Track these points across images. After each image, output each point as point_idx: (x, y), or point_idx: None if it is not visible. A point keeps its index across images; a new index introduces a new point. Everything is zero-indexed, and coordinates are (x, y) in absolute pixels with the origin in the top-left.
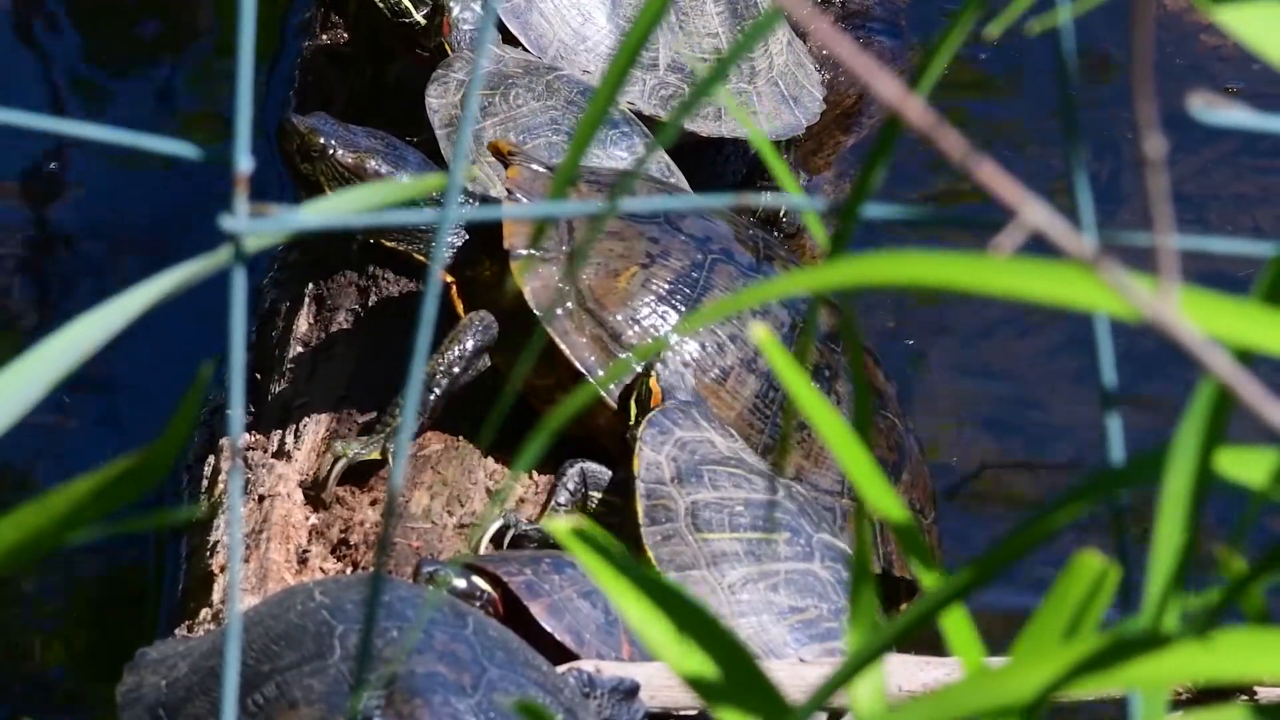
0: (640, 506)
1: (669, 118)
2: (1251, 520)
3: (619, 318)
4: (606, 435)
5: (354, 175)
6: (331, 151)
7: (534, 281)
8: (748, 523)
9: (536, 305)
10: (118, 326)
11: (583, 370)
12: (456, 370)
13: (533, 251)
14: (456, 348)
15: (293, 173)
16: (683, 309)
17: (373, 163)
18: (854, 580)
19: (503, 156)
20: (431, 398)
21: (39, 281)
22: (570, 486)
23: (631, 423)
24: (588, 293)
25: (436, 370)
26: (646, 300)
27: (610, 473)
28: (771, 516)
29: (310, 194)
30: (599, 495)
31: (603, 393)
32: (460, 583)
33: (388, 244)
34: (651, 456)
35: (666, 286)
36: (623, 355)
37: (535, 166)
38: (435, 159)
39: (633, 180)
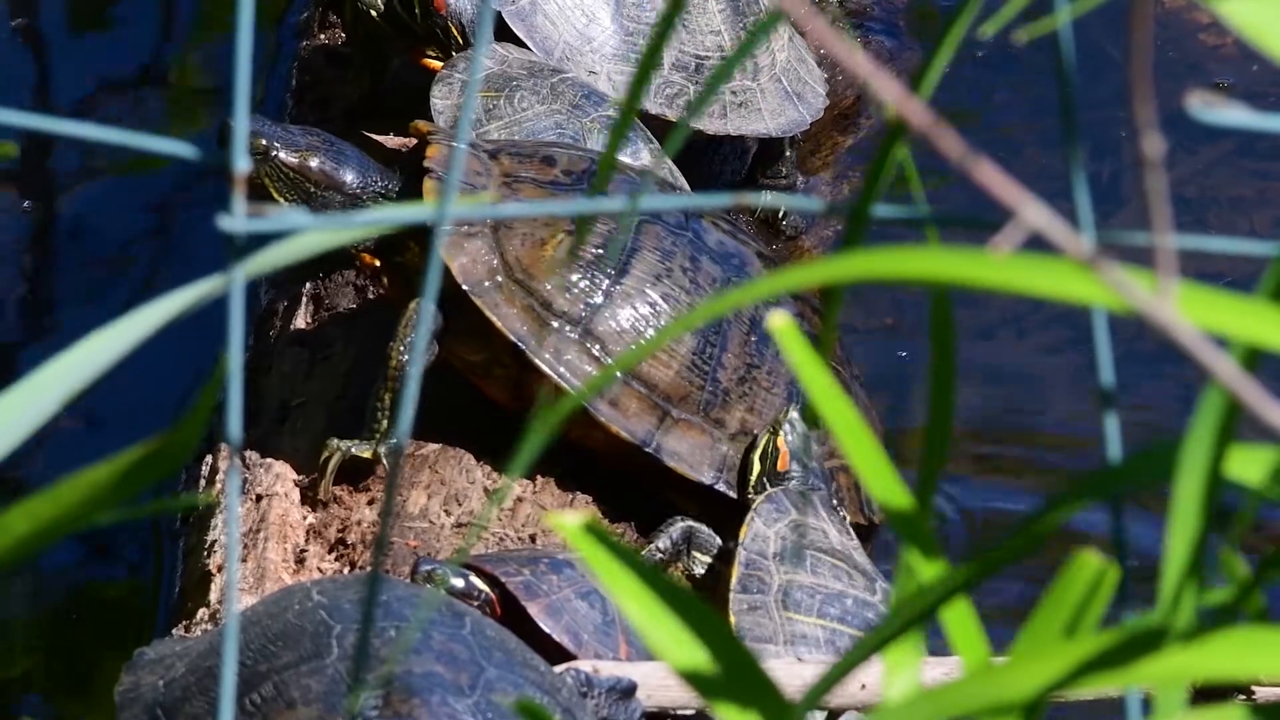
0: (736, 572)
1: (675, 117)
2: (1248, 519)
3: (549, 286)
4: (576, 427)
5: (297, 174)
6: (274, 152)
7: (461, 257)
8: (837, 614)
9: (465, 280)
10: (126, 347)
11: (516, 341)
12: (413, 363)
13: (458, 228)
14: (408, 341)
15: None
16: (612, 272)
17: (315, 160)
18: (898, 577)
19: (422, 136)
20: (407, 393)
21: (36, 284)
22: (673, 538)
23: (753, 479)
24: (515, 264)
25: (400, 369)
26: (575, 266)
27: (719, 539)
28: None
29: (254, 196)
30: (703, 558)
31: (592, 406)
32: (458, 582)
33: None
34: (761, 529)
35: (594, 251)
36: (604, 359)
37: (455, 144)
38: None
39: (557, 153)
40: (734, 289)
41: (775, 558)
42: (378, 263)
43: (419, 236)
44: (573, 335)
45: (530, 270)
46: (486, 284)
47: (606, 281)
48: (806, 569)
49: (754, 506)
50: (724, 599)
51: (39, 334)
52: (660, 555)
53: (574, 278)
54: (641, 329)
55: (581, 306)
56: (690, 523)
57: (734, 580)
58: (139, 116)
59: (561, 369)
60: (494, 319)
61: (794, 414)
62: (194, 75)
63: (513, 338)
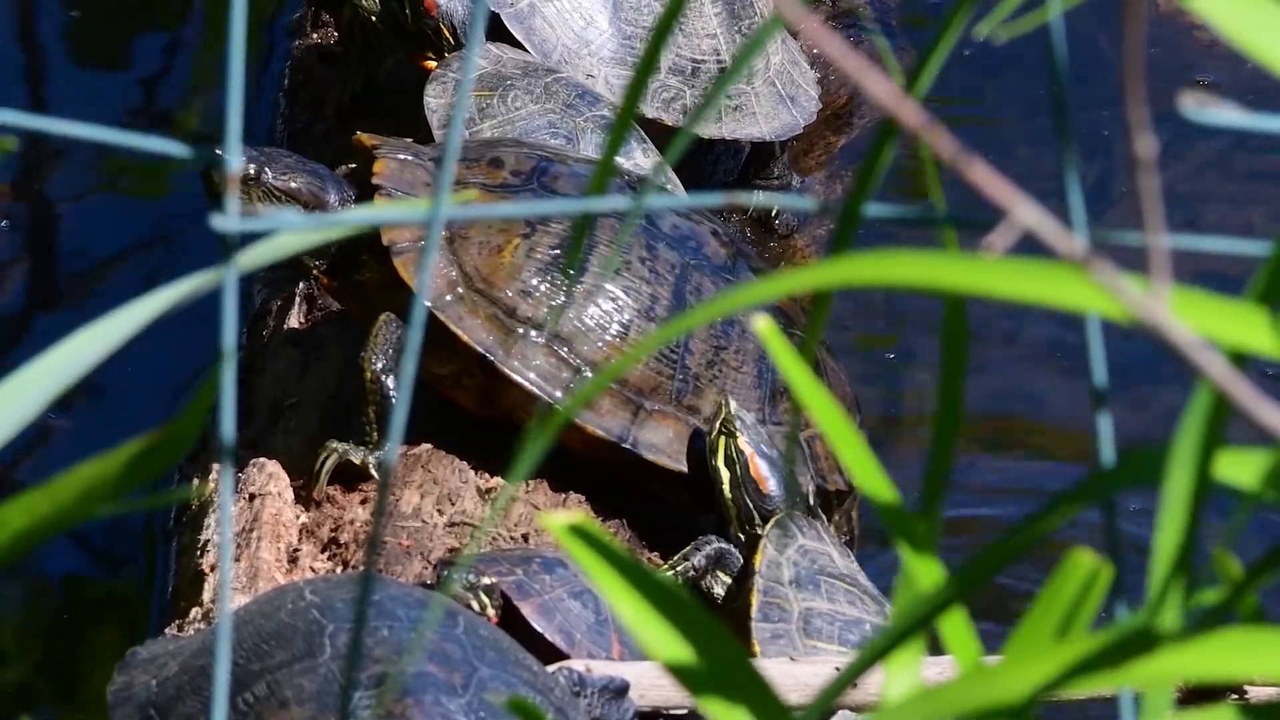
0: (755, 600)
1: (671, 121)
2: (1243, 521)
3: (510, 293)
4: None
5: (289, 197)
6: (265, 176)
7: (421, 273)
8: (857, 640)
9: (426, 296)
10: (118, 340)
11: (483, 352)
12: (394, 372)
13: (414, 244)
14: (383, 351)
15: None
16: (570, 272)
17: (299, 181)
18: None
19: (367, 150)
20: (401, 397)
21: (32, 283)
22: (708, 556)
23: (725, 488)
24: (475, 274)
25: (375, 380)
26: (534, 270)
27: (743, 560)
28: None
29: None
30: (725, 578)
31: (588, 423)
32: (487, 580)
33: None
34: (774, 555)
35: (552, 253)
36: (573, 359)
37: (402, 156)
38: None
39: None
40: (693, 273)
41: (792, 584)
42: (336, 284)
43: (376, 254)
44: (539, 340)
45: (490, 279)
46: (448, 298)
47: (564, 282)
48: (823, 595)
49: (765, 533)
50: (744, 625)
51: (37, 330)
52: (693, 573)
53: (534, 281)
54: (606, 325)
55: (545, 310)
56: (722, 544)
57: (754, 609)
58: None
59: (531, 374)
60: (458, 332)
61: (733, 406)
62: (196, 119)
63: (479, 349)
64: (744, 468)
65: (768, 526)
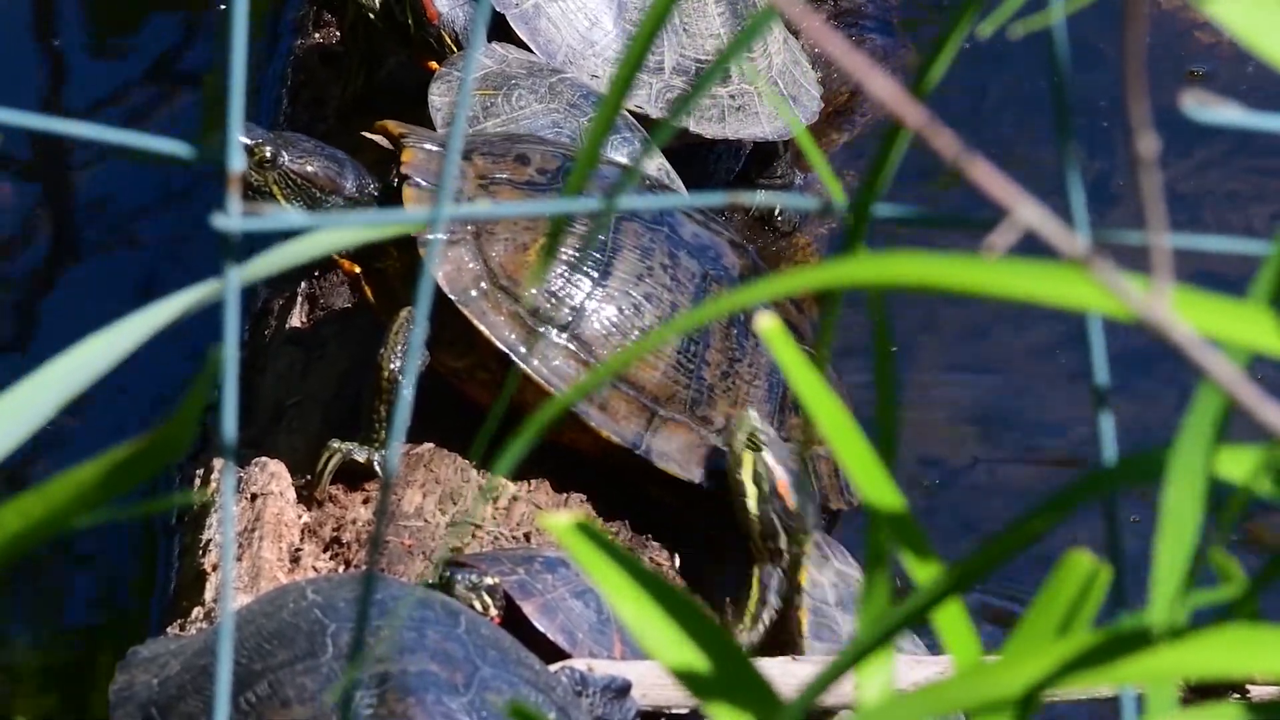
0: (806, 620)
1: (680, 123)
2: (1234, 519)
3: (534, 292)
4: (566, 430)
5: (305, 180)
6: (281, 159)
7: (445, 265)
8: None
9: (450, 289)
10: (123, 351)
11: (505, 349)
12: (407, 373)
13: (440, 235)
14: (403, 350)
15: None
16: (595, 274)
17: (317, 165)
18: (868, 571)
19: (394, 139)
20: (406, 395)
21: (55, 235)
22: (775, 599)
23: (751, 502)
24: (499, 270)
25: (393, 378)
26: (559, 271)
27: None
28: None
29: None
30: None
31: (582, 411)
32: (490, 580)
33: None
34: (816, 576)
35: (577, 254)
36: (593, 363)
37: (430, 146)
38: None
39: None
40: (713, 283)
41: (837, 605)
42: (358, 269)
43: (399, 242)
44: (560, 340)
45: (514, 276)
46: (473, 293)
47: (590, 284)
48: None
49: (806, 553)
50: (793, 641)
51: (46, 321)
52: (774, 612)
53: (558, 282)
54: (627, 330)
55: (567, 311)
56: (779, 572)
57: (805, 628)
58: (169, 112)
59: (551, 375)
60: (482, 328)
61: (753, 416)
62: (223, 72)
63: (502, 346)
64: (771, 486)
65: (807, 546)
